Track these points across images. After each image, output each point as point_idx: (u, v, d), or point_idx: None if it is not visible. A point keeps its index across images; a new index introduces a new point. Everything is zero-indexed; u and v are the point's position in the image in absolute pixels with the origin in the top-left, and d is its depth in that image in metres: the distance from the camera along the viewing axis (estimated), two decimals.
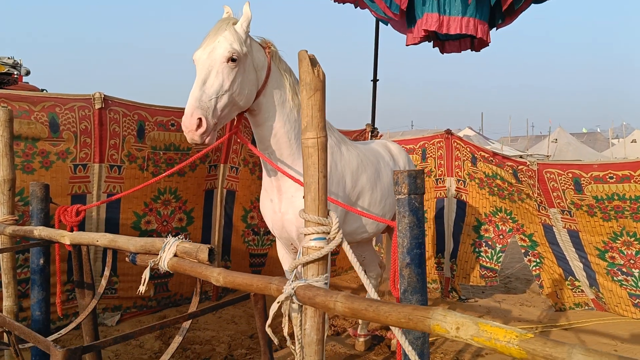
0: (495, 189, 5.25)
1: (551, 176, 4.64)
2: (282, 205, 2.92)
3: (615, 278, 4.67)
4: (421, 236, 1.85)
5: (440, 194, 5.66)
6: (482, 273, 5.45)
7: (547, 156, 26.02)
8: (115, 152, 4.33)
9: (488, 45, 4.88)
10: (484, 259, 5.45)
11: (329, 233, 1.53)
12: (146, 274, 1.82)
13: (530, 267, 5.31)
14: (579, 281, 5.03)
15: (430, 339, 4.06)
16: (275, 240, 3.52)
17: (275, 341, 1.58)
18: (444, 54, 5.41)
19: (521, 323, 4.78)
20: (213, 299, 5.21)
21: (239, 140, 4.92)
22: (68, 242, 2.37)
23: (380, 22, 6.22)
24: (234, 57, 2.48)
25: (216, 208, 5.15)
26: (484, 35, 4.44)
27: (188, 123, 2.37)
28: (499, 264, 5.40)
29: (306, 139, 1.51)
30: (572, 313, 5.04)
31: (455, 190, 5.57)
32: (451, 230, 5.62)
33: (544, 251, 5.14)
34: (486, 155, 5.28)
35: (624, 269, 4.58)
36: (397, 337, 1.37)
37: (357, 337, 4.12)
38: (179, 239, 1.83)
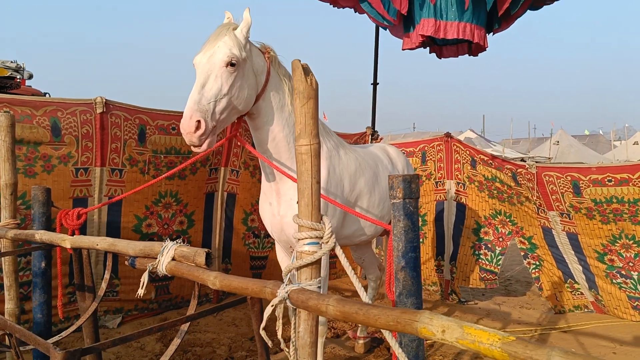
0: (495, 191, 5.27)
1: (550, 179, 4.66)
2: (281, 208, 2.95)
3: (614, 280, 4.68)
4: (416, 240, 1.87)
5: (440, 196, 5.69)
6: (482, 275, 5.46)
7: (549, 158, 26.00)
8: (116, 156, 4.37)
9: (485, 50, 4.90)
10: (483, 261, 5.46)
11: (322, 238, 1.56)
12: (145, 278, 1.85)
13: (530, 270, 5.32)
14: (579, 284, 5.04)
15: (430, 342, 4.08)
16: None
17: (270, 344, 1.61)
18: (442, 59, 5.44)
19: (521, 325, 4.79)
20: (214, 301, 5.24)
21: (239, 143, 4.96)
22: (69, 246, 2.40)
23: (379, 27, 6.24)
24: (233, 61, 2.52)
25: (217, 211, 5.18)
26: (481, 40, 4.47)
27: (186, 125, 2.41)
28: (499, 267, 5.42)
29: (300, 146, 1.54)
30: (572, 315, 5.05)
31: (455, 193, 5.59)
32: (451, 233, 5.64)
33: (544, 254, 5.15)
34: (485, 158, 5.30)
35: (623, 272, 4.60)
36: (388, 339, 1.39)
37: (357, 339, 4.14)
38: (177, 243, 1.85)
